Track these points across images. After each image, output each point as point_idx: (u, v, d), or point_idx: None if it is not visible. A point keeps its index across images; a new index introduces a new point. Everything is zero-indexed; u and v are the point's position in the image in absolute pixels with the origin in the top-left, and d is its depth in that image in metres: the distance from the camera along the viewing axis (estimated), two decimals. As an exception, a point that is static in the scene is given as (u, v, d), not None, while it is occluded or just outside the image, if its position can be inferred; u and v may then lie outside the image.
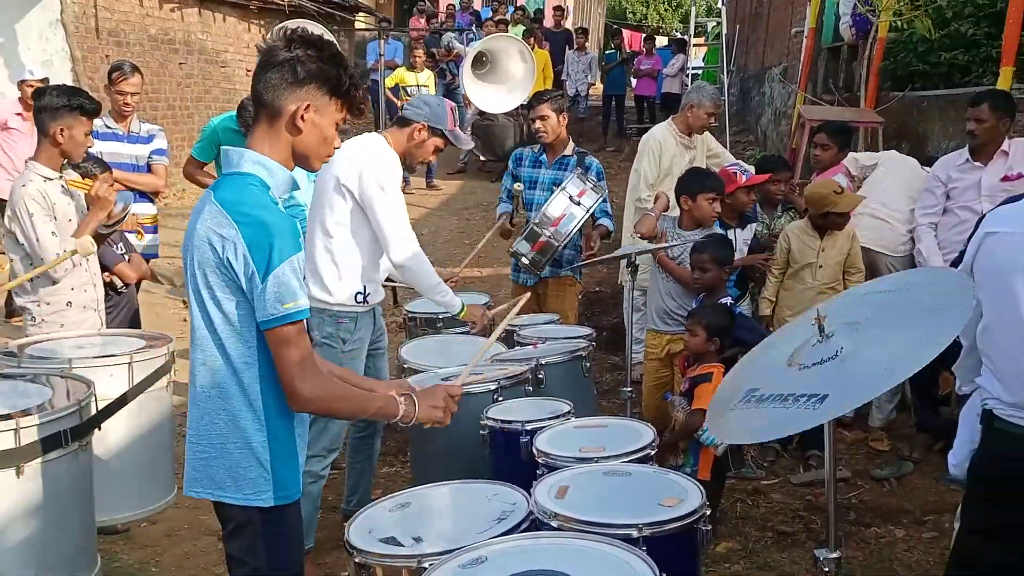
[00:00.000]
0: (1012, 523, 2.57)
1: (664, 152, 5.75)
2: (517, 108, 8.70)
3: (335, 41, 2.36)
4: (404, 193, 10.75)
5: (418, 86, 11.68)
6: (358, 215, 3.73)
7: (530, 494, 2.67)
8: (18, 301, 4.07)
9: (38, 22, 9.50)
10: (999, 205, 3.00)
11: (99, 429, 3.07)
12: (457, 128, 4.02)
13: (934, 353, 1.93)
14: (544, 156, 5.19)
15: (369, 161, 3.72)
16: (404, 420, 2.46)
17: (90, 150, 4.40)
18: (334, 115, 2.31)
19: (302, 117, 2.24)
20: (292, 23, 7.06)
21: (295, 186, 2.36)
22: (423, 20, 16.53)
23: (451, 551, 2.31)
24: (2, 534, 2.67)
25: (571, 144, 5.21)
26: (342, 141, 2.63)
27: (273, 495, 2.29)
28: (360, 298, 3.80)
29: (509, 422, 3.38)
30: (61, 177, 4.03)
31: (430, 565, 2.27)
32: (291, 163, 2.33)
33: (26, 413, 2.76)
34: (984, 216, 2.88)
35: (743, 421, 2.16)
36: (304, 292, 2.22)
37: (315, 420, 3.84)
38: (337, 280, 3.75)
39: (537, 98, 5.21)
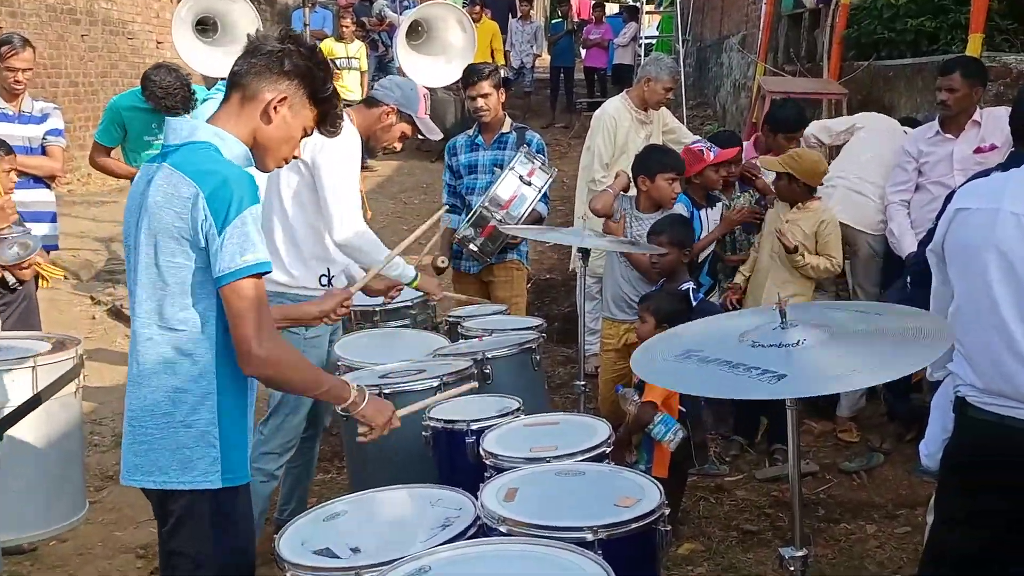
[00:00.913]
0: (984, 510, 2.65)
1: (619, 128, 5.80)
2: (456, 82, 8.69)
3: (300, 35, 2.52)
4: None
5: (348, 58, 11.60)
6: (316, 191, 3.79)
7: (477, 498, 2.67)
8: None
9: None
10: (969, 180, 3.08)
11: (0, 439, 3.00)
12: (427, 116, 4.10)
13: (908, 371, 2.09)
14: (480, 137, 5.19)
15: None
16: (351, 408, 2.60)
17: None
18: (306, 119, 2.45)
19: (275, 108, 2.37)
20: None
21: (249, 163, 2.42)
22: (352, -14, 16.39)
23: (391, 561, 2.30)
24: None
25: (508, 120, 5.23)
26: None
27: (222, 477, 2.35)
28: (324, 281, 3.85)
29: (453, 421, 3.38)
30: None
31: (369, 577, 2.27)
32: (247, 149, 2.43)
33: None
34: (953, 192, 2.95)
35: (676, 371, 2.34)
36: (264, 245, 2.29)
37: (271, 415, 3.91)
38: (298, 262, 3.80)
39: (475, 73, 5.14)
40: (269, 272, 2.31)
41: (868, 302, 3.04)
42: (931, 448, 3.07)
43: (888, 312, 2.54)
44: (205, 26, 6.74)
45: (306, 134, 2.51)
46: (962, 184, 2.98)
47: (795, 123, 5.60)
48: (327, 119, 2.51)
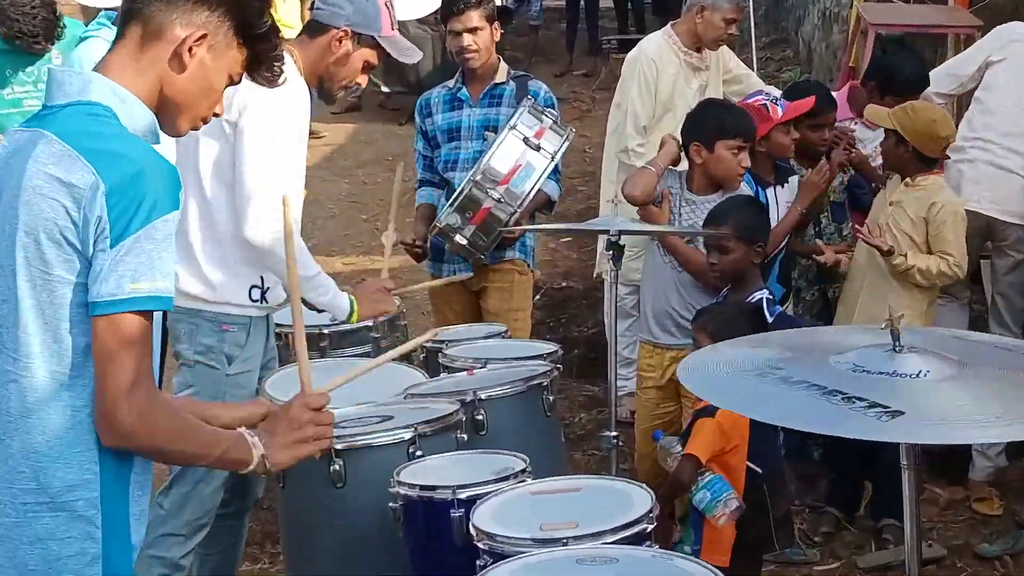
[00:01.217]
0: None
1: (662, 77, 5.79)
2: (435, 12, 8.70)
3: None
4: None
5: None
6: None
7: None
8: None
9: None
10: None
11: None
12: (396, 32, 4.07)
13: None
14: (465, 91, 5.21)
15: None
16: (257, 472, 2.50)
17: None
18: (232, 62, 2.40)
19: (190, 49, 2.31)
20: None
21: (156, 139, 2.37)
22: None
23: None
24: None
25: (504, 67, 5.25)
26: None
27: None
28: (256, 294, 3.84)
29: (432, 488, 3.37)
30: None
31: None
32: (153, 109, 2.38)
33: None
34: None
35: (745, 390, 2.35)
36: (171, 272, 2.24)
37: (174, 482, 3.89)
38: (220, 266, 3.77)
39: (459, 0, 5.16)
40: (168, 310, 2.29)
41: (1017, 341, 2.99)
42: None
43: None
44: None
45: (232, 82, 2.46)
46: None
47: (911, 82, 5.50)
48: (262, 62, 2.46)
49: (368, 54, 4.02)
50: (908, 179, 4.88)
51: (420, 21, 11.07)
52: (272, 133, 3.77)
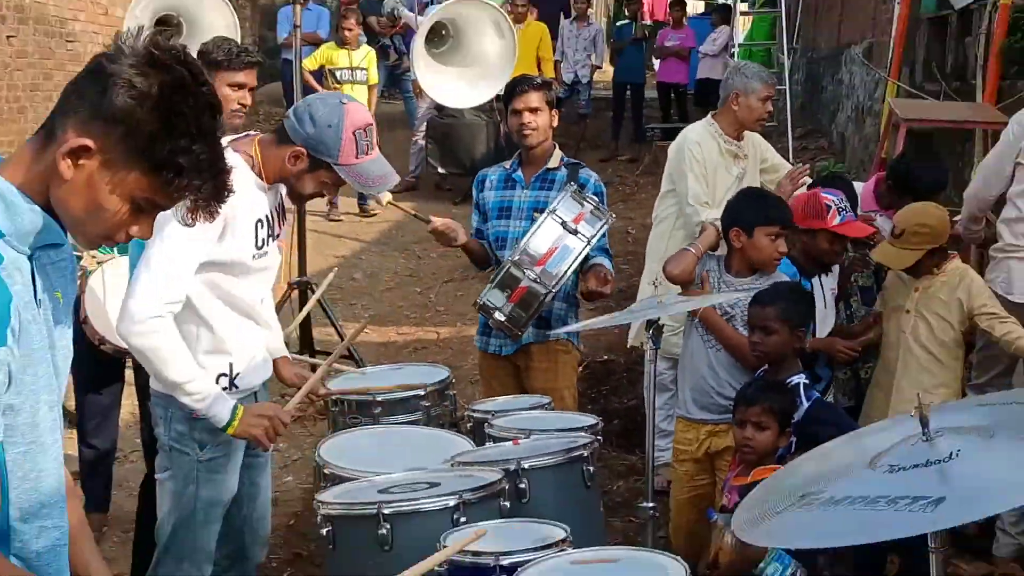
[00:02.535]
0: None
1: (707, 162, 5.77)
2: (491, 101, 8.77)
3: (214, 104, 2.08)
4: (330, 220, 10.82)
5: (352, 68, 11.77)
6: (208, 263, 3.64)
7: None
8: None
9: None
10: None
11: None
12: (366, 159, 3.78)
13: None
14: (519, 172, 5.22)
15: None
16: None
17: None
18: (134, 188, 2.04)
19: (77, 159, 2.00)
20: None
21: (58, 237, 2.13)
22: (358, -22, 16.72)
23: None
24: None
25: (558, 153, 5.26)
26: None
27: None
28: (224, 381, 3.74)
29: (477, 555, 3.32)
30: None
31: None
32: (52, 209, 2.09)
33: None
34: None
35: (804, 523, 2.27)
36: None
37: (160, 560, 3.84)
38: (186, 351, 3.60)
39: (524, 82, 5.25)
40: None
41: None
42: None
43: None
44: (167, 26, 6.89)
45: (144, 209, 2.09)
46: None
47: (928, 185, 5.51)
48: (168, 193, 2.06)
49: (325, 175, 3.75)
50: (931, 272, 4.87)
51: (477, 109, 11.15)
52: (164, 233, 3.44)
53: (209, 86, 2.08)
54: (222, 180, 2.11)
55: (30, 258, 2.05)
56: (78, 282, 5.10)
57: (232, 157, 3.48)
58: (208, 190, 2.08)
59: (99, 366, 5.46)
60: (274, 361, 4.11)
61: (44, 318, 2.09)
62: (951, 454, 2.22)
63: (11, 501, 2.06)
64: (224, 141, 3.30)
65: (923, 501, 2.08)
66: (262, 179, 3.74)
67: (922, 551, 2.40)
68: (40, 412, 2.08)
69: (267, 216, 3.78)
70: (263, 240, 3.75)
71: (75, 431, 6.05)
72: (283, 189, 3.92)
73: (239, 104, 4.84)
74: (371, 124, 3.81)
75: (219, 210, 2.12)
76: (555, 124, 5.23)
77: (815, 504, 2.23)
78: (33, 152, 2.05)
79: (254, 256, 3.73)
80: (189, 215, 2.09)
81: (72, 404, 6.13)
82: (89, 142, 1.98)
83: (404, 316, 9.37)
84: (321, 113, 3.70)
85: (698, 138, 5.85)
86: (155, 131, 1.98)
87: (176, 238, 3.47)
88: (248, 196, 3.65)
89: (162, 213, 3.18)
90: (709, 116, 6.07)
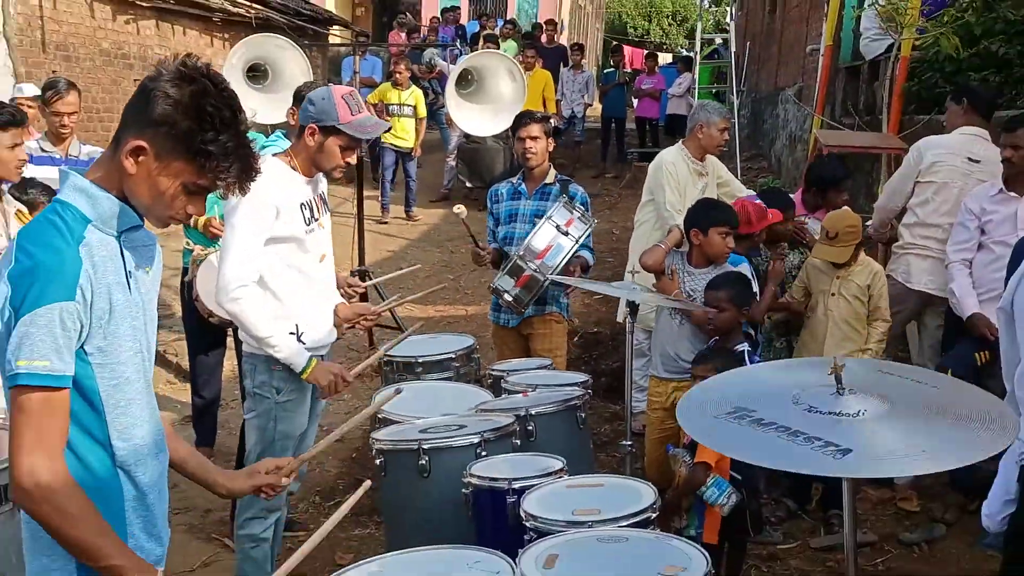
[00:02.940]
0: None
1: (679, 178, 5.75)
2: (505, 131, 8.77)
3: (233, 103, 2.10)
4: (380, 223, 10.70)
5: (401, 104, 11.74)
6: (272, 238, 3.64)
7: (516, 563, 2.63)
8: None
9: (-22, 34, 9.54)
10: None
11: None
12: (359, 116, 3.71)
13: (973, 460, 2.04)
14: (524, 186, 5.21)
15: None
16: None
17: (28, 175, 4.38)
18: (180, 174, 2.07)
19: (137, 158, 2.05)
20: (253, 41, 7.12)
21: (134, 220, 2.14)
22: (403, 35, 16.65)
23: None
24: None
25: (553, 172, 5.25)
26: None
27: None
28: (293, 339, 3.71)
29: (494, 480, 3.35)
30: None
31: (403, 644, 2.24)
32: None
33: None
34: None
35: (737, 436, 2.22)
36: (61, 354, 1.96)
37: None
38: (266, 314, 3.62)
39: (526, 116, 5.27)
40: (59, 387, 1.97)
41: (924, 370, 2.92)
42: (992, 508, 2.99)
43: (943, 386, 2.45)
44: (256, 72, 6.89)
45: (190, 191, 2.11)
46: None
47: (838, 175, 5.63)
48: (215, 173, 2.09)
49: (339, 141, 3.67)
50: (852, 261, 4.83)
51: (496, 136, 11.12)
52: (233, 217, 3.58)
53: (229, 90, 2.11)
54: (248, 162, 2.13)
55: (118, 239, 2.10)
56: (191, 269, 5.15)
57: (273, 162, 3.64)
58: (236, 170, 2.11)
59: (207, 334, 5.49)
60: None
61: (135, 286, 2.13)
62: (858, 412, 2.21)
63: (108, 422, 2.10)
64: (268, 156, 3.34)
65: (834, 448, 2.06)
66: (299, 173, 3.73)
67: (839, 479, 2.39)
68: (124, 354, 2.10)
69: (310, 201, 3.75)
70: (308, 219, 3.72)
71: (189, 385, 6.09)
72: (323, 184, 3.89)
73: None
74: (353, 91, 3.82)
75: (249, 187, 2.16)
76: (551, 149, 5.21)
77: (746, 421, 2.22)
78: (106, 158, 2.12)
79: (305, 232, 3.72)
80: (227, 191, 2.12)
81: (187, 364, 6.17)
82: (143, 143, 2.03)
83: (439, 297, 9.36)
84: (314, 95, 3.73)
85: (672, 159, 5.82)
86: (189, 128, 2.02)
87: (242, 226, 3.56)
88: (291, 186, 3.68)
89: (228, 208, 3.14)
90: (680, 142, 6.03)
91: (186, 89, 2.03)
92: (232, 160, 2.08)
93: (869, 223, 5.54)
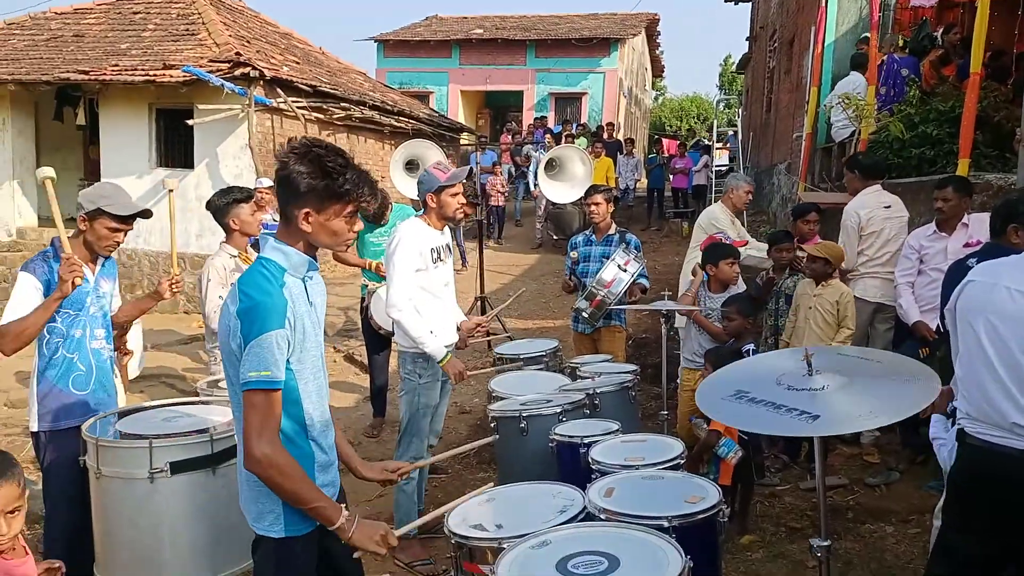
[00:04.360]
0: (980, 520, 2.44)
1: (721, 225, 5.67)
2: (580, 199, 8.79)
3: (340, 151, 2.08)
4: (457, 272, 10.61)
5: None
6: (415, 271, 3.71)
7: (585, 493, 2.64)
8: (208, 345, 4.36)
9: (232, 146, 10.06)
10: (978, 263, 2.90)
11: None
12: (449, 172, 3.76)
13: (914, 411, 2.00)
14: (593, 236, 5.19)
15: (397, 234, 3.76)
16: (340, 534, 2.05)
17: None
18: (339, 215, 2.05)
19: (307, 220, 2.03)
20: (410, 144, 7.30)
21: (313, 266, 2.13)
22: (510, 136, 16.91)
23: (524, 535, 2.30)
24: (192, 523, 2.70)
25: (614, 225, 5.22)
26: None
27: (284, 529, 2.05)
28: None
29: (571, 437, 3.36)
30: (237, 256, 4.16)
31: (507, 546, 2.27)
32: (311, 249, 2.10)
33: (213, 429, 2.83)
34: (967, 269, 2.80)
35: (736, 411, 2.18)
36: (278, 366, 1.94)
37: (401, 440, 3.79)
38: (421, 321, 3.70)
39: (593, 189, 5.28)
40: (276, 389, 1.95)
41: (871, 350, 2.82)
42: (935, 431, 2.99)
43: (886, 361, 2.38)
44: (411, 165, 7.07)
45: (351, 221, 2.09)
46: (979, 262, 2.81)
47: (798, 211, 5.63)
48: (356, 203, 2.06)
49: (448, 191, 3.71)
50: (825, 282, 4.68)
51: (573, 203, 11.08)
52: (391, 256, 3.70)
53: (330, 144, 2.08)
54: (370, 182, 2.13)
55: (303, 281, 2.10)
56: (367, 298, 5.28)
57: (416, 221, 3.72)
58: (367, 190, 2.10)
59: (378, 341, 5.59)
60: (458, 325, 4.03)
61: (310, 313, 2.10)
62: (823, 387, 2.17)
63: (304, 410, 2.08)
64: (414, 219, 3.34)
65: (807, 415, 2.03)
66: (432, 227, 3.78)
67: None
68: (311, 362, 2.09)
69: (438, 247, 3.80)
70: (435, 258, 3.77)
71: (367, 375, 6.23)
72: (447, 237, 3.88)
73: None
74: (440, 161, 3.90)
75: (375, 204, 2.16)
76: (612, 211, 5.19)
77: (744, 400, 2.19)
78: (284, 228, 2.08)
79: (433, 267, 3.76)
80: (369, 205, 2.08)
81: (366, 361, 6.31)
82: (307, 209, 2.02)
83: (535, 313, 9.40)
84: (421, 177, 3.80)
85: (718, 213, 5.72)
86: (327, 184, 2.01)
87: (400, 263, 3.65)
88: (427, 238, 3.74)
89: (388, 253, 3.39)
90: (720, 202, 5.86)
91: (306, 160, 2.01)
92: (362, 186, 2.06)
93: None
